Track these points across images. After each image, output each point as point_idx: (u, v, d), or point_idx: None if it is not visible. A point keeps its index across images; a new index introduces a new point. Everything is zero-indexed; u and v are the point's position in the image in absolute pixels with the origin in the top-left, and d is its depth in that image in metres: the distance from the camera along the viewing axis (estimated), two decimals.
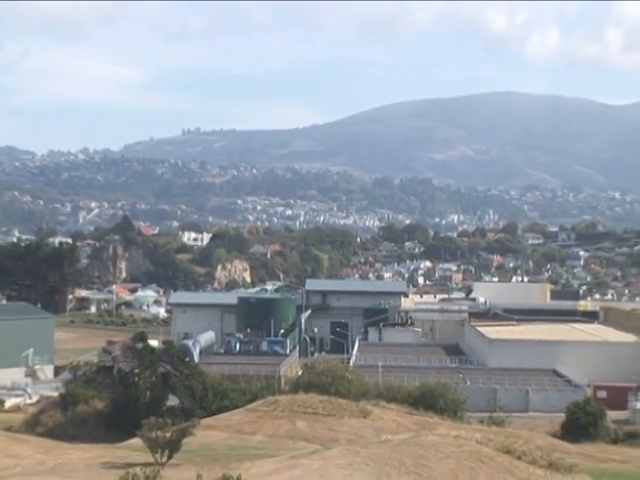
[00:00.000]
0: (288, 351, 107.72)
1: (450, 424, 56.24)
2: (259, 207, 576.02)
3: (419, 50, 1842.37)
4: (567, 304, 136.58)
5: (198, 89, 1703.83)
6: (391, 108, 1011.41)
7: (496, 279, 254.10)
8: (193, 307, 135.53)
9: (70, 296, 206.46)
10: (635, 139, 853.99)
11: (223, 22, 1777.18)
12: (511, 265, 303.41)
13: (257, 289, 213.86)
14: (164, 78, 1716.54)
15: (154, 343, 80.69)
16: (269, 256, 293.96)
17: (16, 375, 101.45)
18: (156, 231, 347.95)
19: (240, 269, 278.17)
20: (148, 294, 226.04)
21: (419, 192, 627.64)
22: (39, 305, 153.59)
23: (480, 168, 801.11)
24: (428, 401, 64.79)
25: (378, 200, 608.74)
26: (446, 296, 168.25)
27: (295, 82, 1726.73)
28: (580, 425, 65.20)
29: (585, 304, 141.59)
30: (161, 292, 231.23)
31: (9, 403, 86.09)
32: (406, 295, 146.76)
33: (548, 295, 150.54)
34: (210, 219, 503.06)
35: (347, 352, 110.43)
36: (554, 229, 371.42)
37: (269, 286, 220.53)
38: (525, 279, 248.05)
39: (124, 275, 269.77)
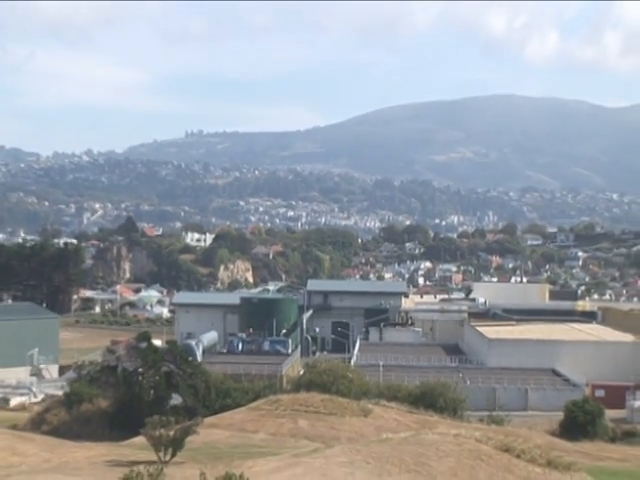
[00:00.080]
0: (290, 350, 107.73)
1: (450, 423, 56.23)
2: (261, 208, 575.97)
3: (419, 53, 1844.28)
4: (566, 304, 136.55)
5: (201, 92, 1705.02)
6: (392, 110, 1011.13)
7: (495, 279, 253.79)
8: (196, 307, 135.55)
9: (75, 296, 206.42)
10: (633, 141, 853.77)
11: (225, 25, 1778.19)
12: (510, 266, 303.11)
13: (259, 289, 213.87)
14: (167, 81, 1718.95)
15: (158, 343, 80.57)
16: (271, 257, 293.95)
17: (21, 374, 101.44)
18: (159, 232, 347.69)
19: (242, 269, 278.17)
20: (152, 294, 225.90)
21: (419, 193, 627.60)
22: (44, 305, 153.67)
23: (480, 170, 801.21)
24: (428, 400, 64.78)
25: (379, 201, 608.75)
26: (446, 296, 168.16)
27: (297, 84, 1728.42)
28: (578, 424, 65.19)
29: (583, 304, 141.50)
30: (164, 292, 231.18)
31: (14, 402, 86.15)
32: (406, 295, 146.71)
33: (547, 295, 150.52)
34: (213, 220, 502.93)
35: (348, 352, 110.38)
36: (553, 230, 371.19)
37: (271, 286, 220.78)
38: (524, 279, 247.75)
39: (128, 275, 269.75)
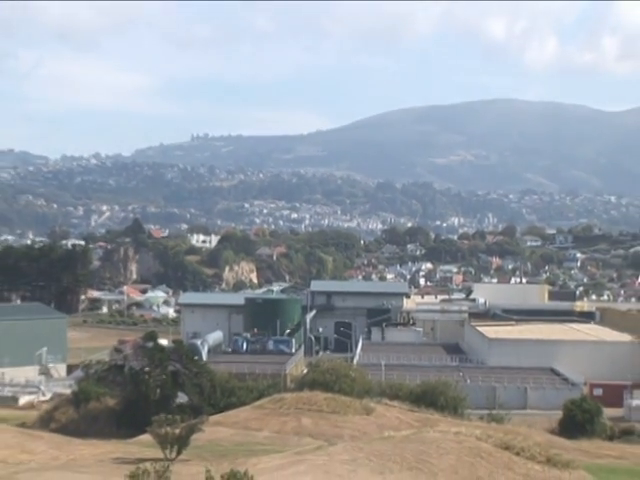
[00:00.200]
0: (294, 350, 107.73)
1: (451, 421, 56.19)
2: (265, 210, 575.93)
3: (421, 58, 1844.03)
4: (564, 305, 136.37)
5: (206, 96, 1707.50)
6: (393, 114, 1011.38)
7: (495, 280, 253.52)
8: (201, 307, 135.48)
9: (82, 297, 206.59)
10: (630, 144, 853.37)
11: (230, 30, 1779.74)
12: (510, 267, 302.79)
13: (263, 290, 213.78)
14: (173, 85, 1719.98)
15: (164, 342, 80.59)
16: (275, 258, 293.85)
17: (30, 373, 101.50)
18: (166, 234, 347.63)
19: (247, 270, 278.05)
20: (158, 295, 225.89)
21: (421, 196, 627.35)
22: (52, 305, 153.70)
23: (480, 172, 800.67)
24: (429, 399, 64.72)
25: (381, 204, 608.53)
26: (447, 297, 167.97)
27: (300, 89, 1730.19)
28: (577, 422, 65.12)
29: (582, 305, 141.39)
30: (170, 293, 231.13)
31: (23, 400, 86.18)
32: (408, 296, 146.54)
33: (546, 296, 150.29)
34: (218, 222, 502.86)
35: (351, 351, 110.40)
36: (552, 232, 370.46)
37: (275, 287, 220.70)
38: (523, 280, 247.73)
39: (135, 276, 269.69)
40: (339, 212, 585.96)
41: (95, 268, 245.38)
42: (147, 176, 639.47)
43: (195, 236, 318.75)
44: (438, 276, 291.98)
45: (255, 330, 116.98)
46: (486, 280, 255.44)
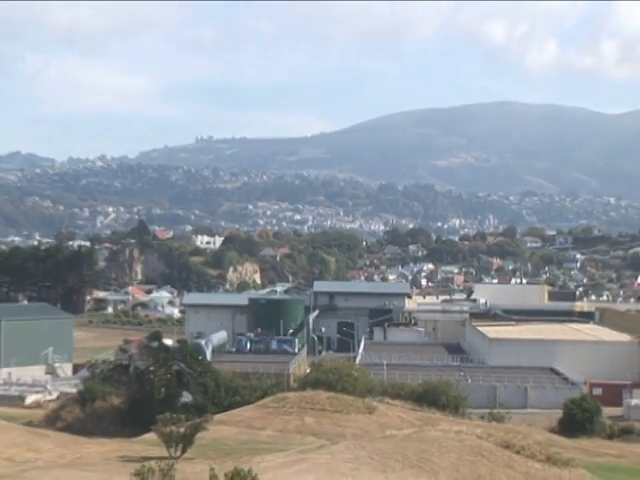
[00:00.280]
0: (297, 350, 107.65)
1: (452, 420, 56.15)
2: (269, 212, 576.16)
3: (422, 61, 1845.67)
4: (564, 305, 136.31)
5: (210, 99, 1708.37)
6: (395, 117, 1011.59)
7: (496, 281, 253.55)
8: (206, 308, 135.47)
9: (88, 297, 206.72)
10: (629, 146, 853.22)
11: (234, 35, 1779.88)
12: (510, 267, 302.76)
13: (267, 290, 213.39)
14: (178, 88, 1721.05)
15: (169, 342, 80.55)
16: (278, 259, 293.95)
17: (37, 372, 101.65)
18: (170, 235, 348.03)
19: (251, 271, 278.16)
20: (163, 295, 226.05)
21: (422, 197, 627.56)
22: (59, 306, 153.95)
23: (481, 174, 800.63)
24: (431, 398, 64.67)
25: (383, 205, 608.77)
26: (448, 297, 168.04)
27: (303, 92, 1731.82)
28: (577, 421, 65.05)
29: (581, 305, 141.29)
30: (175, 293, 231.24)
31: (30, 399, 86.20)
32: (409, 296, 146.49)
33: (546, 296, 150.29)
34: (222, 223, 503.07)
35: (353, 351, 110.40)
36: (552, 233, 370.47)
37: (278, 287, 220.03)
38: (524, 281, 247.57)
39: (140, 277, 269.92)
40: (342, 213, 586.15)
41: (101, 269, 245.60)
42: (152, 178, 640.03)
43: (199, 237, 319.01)
44: (439, 277, 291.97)
45: (259, 330, 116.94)
46: (487, 281, 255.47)
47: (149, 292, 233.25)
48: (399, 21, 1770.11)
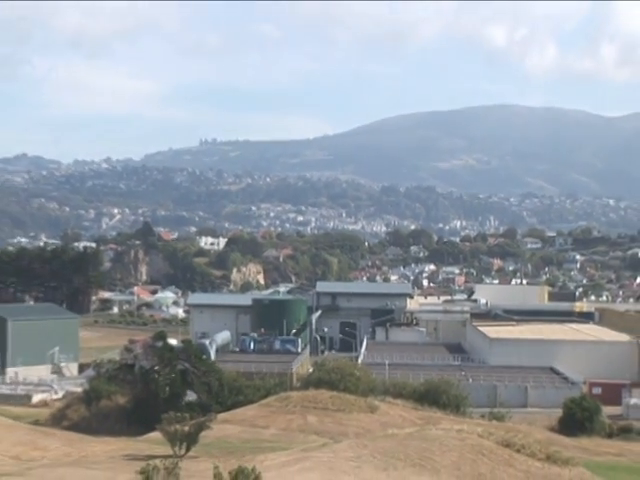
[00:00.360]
0: (300, 349, 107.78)
1: (453, 419, 56.17)
2: (272, 213, 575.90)
3: (424, 64, 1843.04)
4: (564, 305, 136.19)
5: (214, 102, 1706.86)
6: (397, 119, 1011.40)
7: (496, 281, 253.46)
8: (210, 308, 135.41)
9: (94, 297, 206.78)
10: (628, 148, 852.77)
11: (238, 38, 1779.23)
12: (511, 268, 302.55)
13: (270, 291, 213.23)
14: (182, 91, 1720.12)
15: (173, 342, 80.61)
16: (282, 260, 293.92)
17: (43, 372, 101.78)
18: (175, 236, 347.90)
19: (254, 272, 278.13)
20: (167, 295, 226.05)
21: (424, 199, 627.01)
22: (64, 306, 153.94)
23: (481, 176, 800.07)
24: (432, 397, 64.67)
25: (385, 207, 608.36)
26: (449, 298, 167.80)
27: (306, 95, 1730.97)
28: (576, 420, 64.99)
29: (581, 305, 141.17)
30: (180, 294, 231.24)
31: (36, 398, 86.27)
32: (411, 297, 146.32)
33: (546, 297, 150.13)
34: (226, 225, 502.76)
35: (355, 350, 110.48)
36: (552, 234, 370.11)
37: (282, 288, 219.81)
38: (524, 281, 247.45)
39: (145, 278, 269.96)
40: (344, 215, 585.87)
41: (106, 270, 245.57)
42: (157, 180, 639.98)
43: (203, 238, 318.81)
44: (441, 277, 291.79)
45: (262, 330, 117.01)
46: (487, 281, 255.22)
47: (154, 292, 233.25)
48: (401, 24, 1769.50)
